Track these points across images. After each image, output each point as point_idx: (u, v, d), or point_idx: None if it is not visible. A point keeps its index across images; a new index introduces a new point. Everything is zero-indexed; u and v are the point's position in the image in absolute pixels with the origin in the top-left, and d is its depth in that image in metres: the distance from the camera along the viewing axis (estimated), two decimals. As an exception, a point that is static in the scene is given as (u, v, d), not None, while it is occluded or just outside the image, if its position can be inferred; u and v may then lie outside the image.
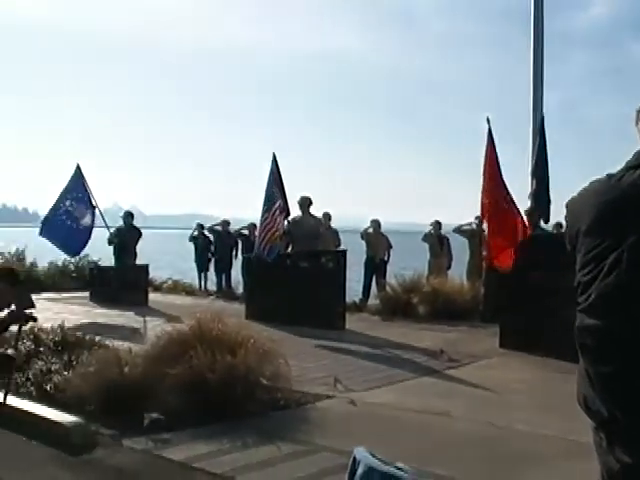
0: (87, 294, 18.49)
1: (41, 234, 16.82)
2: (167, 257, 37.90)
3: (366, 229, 19.58)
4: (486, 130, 11.94)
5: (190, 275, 23.83)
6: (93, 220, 16.91)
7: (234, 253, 21.41)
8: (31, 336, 9.15)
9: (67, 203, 16.96)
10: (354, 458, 2.95)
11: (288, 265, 14.76)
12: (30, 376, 8.11)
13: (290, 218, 14.98)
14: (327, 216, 18.07)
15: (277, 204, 14.41)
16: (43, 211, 18.51)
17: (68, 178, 17.13)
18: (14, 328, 5.99)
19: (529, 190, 13.92)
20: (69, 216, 16.83)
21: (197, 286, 22.14)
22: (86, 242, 16.97)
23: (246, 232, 20.57)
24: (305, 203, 15.32)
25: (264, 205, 14.53)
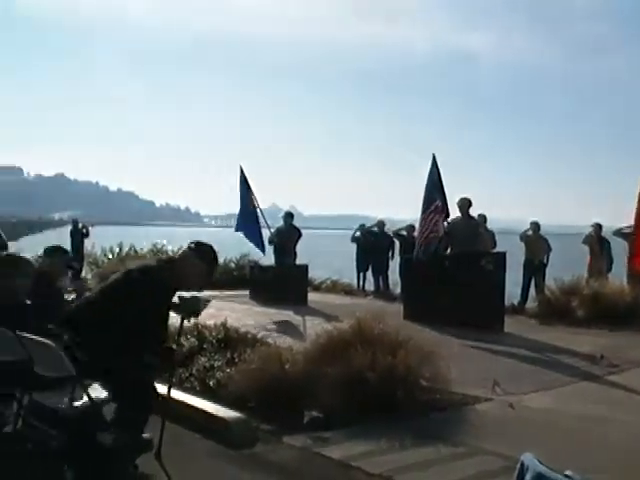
0: (247, 292, 18.78)
1: (237, 230, 17.65)
2: (325, 257, 38.26)
3: (525, 231, 19.33)
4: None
5: (347, 275, 23.94)
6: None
7: (390, 254, 21.45)
8: (195, 333, 9.40)
9: (255, 204, 17.64)
10: (522, 463, 2.88)
11: (447, 266, 14.66)
12: (194, 371, 8.34)
13: (449, 219, 14.87)
14: (483, 218, 17.84)
15: (434, 205, 14.36)
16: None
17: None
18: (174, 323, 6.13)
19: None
20: (260, 215, 17.56)
21: (355, 286, 22.25)
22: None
23: (404, 233, 20.55)
24: (465, 205, 15.14)
25: (423, 206, 14.52)
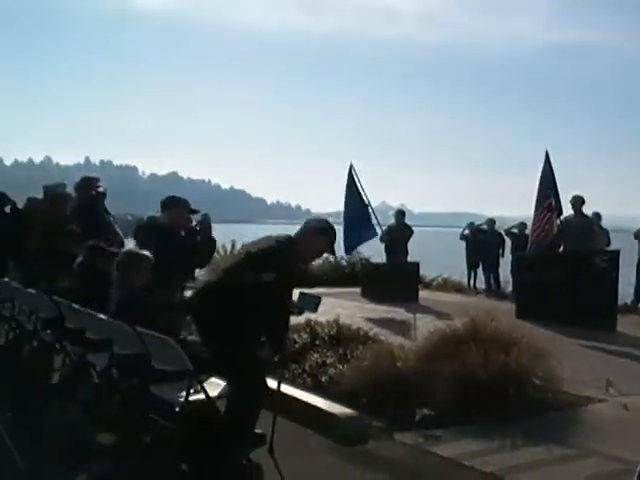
0: (358, 290, 18.73)
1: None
2: (436, 255, 38.06)
3: (640, 229, 18.95)
4: None
5: (457, 272, 23.79)
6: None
7: (501, 251, 21.28)
8: (307, 329, 9.50)
9: (366, 202, 17.49)
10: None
11: (559, 264, 14.47)
12: (306, 367, 8.41)
13: (562, 217, 14.70)
14: (597, 216, 17.56)
15: (547, 203, 14.22)
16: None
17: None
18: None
19: None
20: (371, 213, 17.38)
21: (466, 284, 22.16)
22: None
23: (516, 231, 20.36)
24: (578, 202, 14.95)
25: (536, 203, 14.39)
